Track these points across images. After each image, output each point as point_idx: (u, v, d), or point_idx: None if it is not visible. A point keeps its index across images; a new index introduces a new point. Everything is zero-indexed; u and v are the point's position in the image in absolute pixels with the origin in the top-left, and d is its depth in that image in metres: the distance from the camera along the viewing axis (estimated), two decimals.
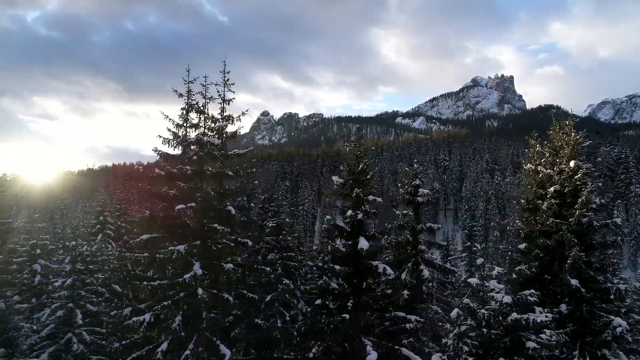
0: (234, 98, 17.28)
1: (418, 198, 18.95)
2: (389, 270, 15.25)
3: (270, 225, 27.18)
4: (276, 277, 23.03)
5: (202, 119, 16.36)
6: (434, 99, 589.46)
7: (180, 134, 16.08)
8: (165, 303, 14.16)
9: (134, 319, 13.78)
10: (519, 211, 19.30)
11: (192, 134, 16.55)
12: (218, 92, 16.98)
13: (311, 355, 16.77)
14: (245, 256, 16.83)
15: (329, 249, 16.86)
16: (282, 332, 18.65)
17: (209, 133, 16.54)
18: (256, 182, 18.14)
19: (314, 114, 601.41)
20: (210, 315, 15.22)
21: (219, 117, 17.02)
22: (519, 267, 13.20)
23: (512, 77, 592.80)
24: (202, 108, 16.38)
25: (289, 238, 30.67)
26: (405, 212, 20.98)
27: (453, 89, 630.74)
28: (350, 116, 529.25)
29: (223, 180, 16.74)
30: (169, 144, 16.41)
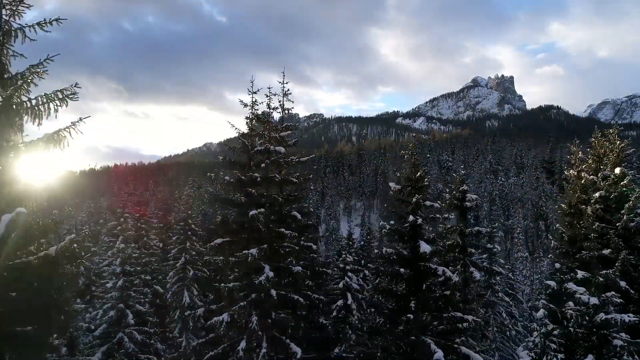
0: (292, 107, 18.12)
1: (466, 203, 19.78)
2: (449, 273, 16.04)
3: None
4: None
5: (267, 128, 17.16)
6: (434, 99, 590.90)
7: (247, 142, 16.90)
8: (242, 304, 14.95)
9: (215, 319, 14.57)
10: (561, 215, 20.11)
11: (256, 141, 17.37)
12: (279, 100, 17.83)
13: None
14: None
15: (384, 252, 17.64)
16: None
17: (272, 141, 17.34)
18: (311, 187, 18.66)
19: (314, 114, 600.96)
20: (280, 315, 16.04)
21: (279, 125, 17.88)
22: (605, 271, 14.01)
23: (512, 78, 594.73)
24: (266, 117, 17.20)
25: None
26: (445, 215, 21.83)
27: (452, 89, 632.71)
28: (351, 116, 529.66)
29: (285, 186, 17.53)
30: (234, 152, 17.26)
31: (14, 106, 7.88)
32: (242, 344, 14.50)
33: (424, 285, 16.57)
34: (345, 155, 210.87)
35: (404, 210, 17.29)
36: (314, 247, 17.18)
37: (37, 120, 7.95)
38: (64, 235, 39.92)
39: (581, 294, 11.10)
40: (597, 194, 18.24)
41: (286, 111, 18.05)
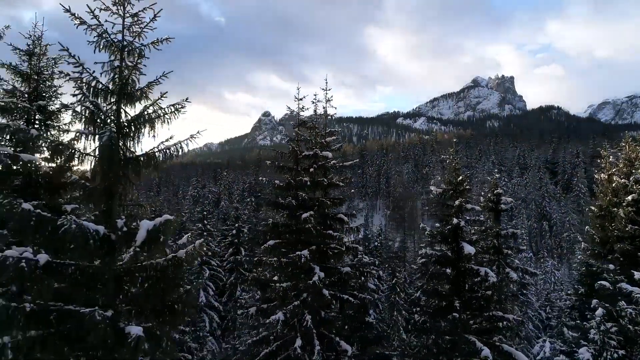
0: (335, 114, 18.77)
1: (501, 205, 20.41)
2: (491, 274, 16.68)
3: None
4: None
5: (314, 134, 17.81)
6: (435, 99, 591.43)
7: (295, 147, 17.55)
8: (296, 303, 15.55)
9: (272, 317, 15.17)
10: (592, 218, 20.76)
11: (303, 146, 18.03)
12: (323, 107, 18.48)
13: None
14: (356, 260, 18.30)
15: (425, 253, 18.27)
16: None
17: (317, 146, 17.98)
18: (352, 190, 19.31)
19: (314, 114, 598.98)
20: (331, 314, 16.66)
21: (323, 131, 18.53)
22: None
23: (512, 78, 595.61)
24: (314, 124, 17.86)
25: None
26: (475, 218, 22.50)
27: (452, 89, 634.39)
28: (352, 117, 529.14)
29: (329, 189, 18.14)
30: (282, 157, 17.92)
31: (140, 119, 8.51)
32: (298, 342, 15.08)
33: (466, 285, 17.21)
34: (347, 156, 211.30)
35: (445, 212, 17.94)
36: (360, 248, 17.80)
37: (152, 131, 8.58)
38: None
39: (637, 293, 11.75)
40: (629, 197, 18.86)
41: (329, 117, 18.68)
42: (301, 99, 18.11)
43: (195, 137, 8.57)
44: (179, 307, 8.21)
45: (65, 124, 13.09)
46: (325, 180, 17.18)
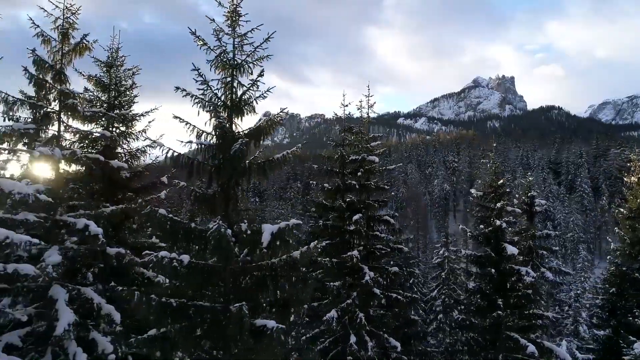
0: (375, 119, 19.47)
1: (536, 207, 21.15)
2: (532, 273, 17.44)
3: None
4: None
5: (360, 139, 18.53)
6: (435, 99, 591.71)
7: (343, 152, 18.27)
8: (349, 301, 16.27)
9: (328, 315, 15.86)
10: (622, 219, 21.49)
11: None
12: (359, 110, 19.28)
13: None
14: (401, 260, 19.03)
15: (466, 254, 19.02)
16: None
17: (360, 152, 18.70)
18: (392, 193, 20.06)
19: (315, 114, 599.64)
20: (380, 312, 17.39)
21: (364, 136, 19.25)
22: None
23: (512, 78, 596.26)
24: (359, 129, 18.59)
25: None
26: (507, 219, 23.21)
27: (452, 89, 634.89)
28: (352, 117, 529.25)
29: (373, 192, 18.83)
30: (328, 160, 18.64)
31: (255, 131, 9.23)
32: (352, 338, 15.80)
33: (508, 284, 17.93)
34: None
35: (486, 214, 18.67)
36: (405, 249, 18.52)
37: (257, 142, 9.31)
38: None
39: None
40: None
41: (370, 122, 19.40)
42: (346, 106, 18.86)
43: (297, 150, 9.32)
44: (291, 303, 8.92)
45: (139, 132, 13.85)
46: (373, 184, 17.89)
